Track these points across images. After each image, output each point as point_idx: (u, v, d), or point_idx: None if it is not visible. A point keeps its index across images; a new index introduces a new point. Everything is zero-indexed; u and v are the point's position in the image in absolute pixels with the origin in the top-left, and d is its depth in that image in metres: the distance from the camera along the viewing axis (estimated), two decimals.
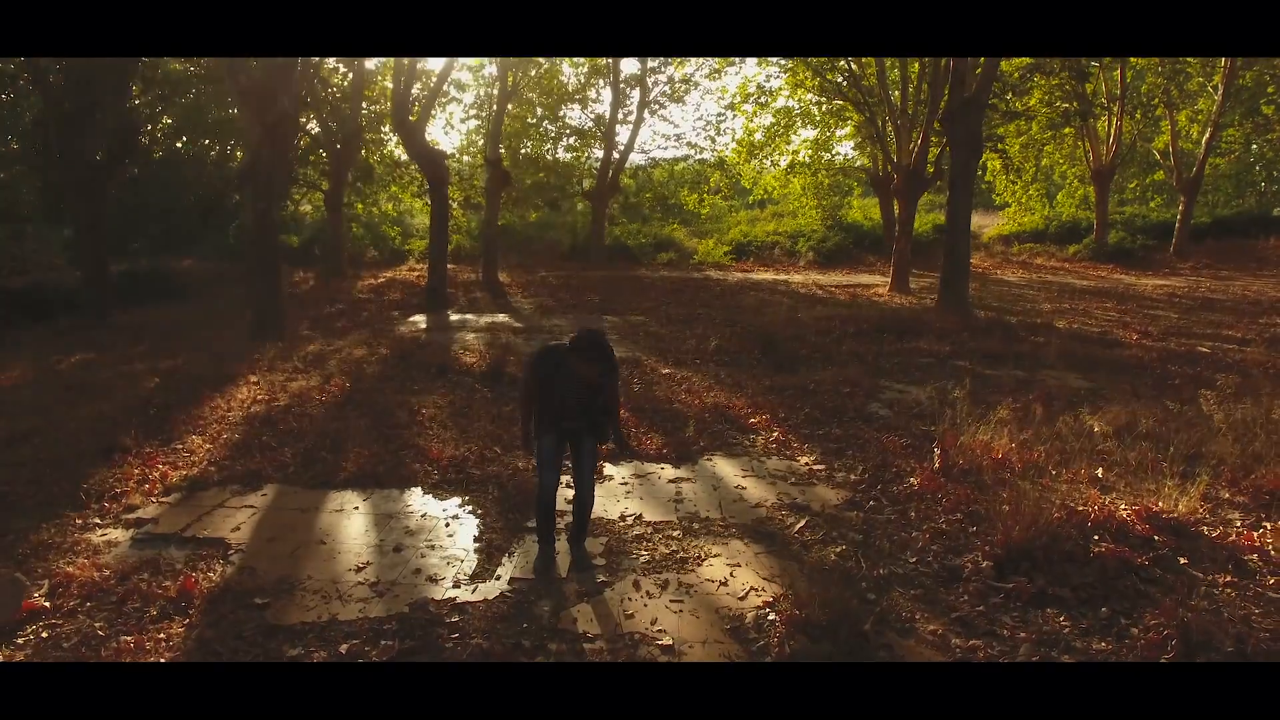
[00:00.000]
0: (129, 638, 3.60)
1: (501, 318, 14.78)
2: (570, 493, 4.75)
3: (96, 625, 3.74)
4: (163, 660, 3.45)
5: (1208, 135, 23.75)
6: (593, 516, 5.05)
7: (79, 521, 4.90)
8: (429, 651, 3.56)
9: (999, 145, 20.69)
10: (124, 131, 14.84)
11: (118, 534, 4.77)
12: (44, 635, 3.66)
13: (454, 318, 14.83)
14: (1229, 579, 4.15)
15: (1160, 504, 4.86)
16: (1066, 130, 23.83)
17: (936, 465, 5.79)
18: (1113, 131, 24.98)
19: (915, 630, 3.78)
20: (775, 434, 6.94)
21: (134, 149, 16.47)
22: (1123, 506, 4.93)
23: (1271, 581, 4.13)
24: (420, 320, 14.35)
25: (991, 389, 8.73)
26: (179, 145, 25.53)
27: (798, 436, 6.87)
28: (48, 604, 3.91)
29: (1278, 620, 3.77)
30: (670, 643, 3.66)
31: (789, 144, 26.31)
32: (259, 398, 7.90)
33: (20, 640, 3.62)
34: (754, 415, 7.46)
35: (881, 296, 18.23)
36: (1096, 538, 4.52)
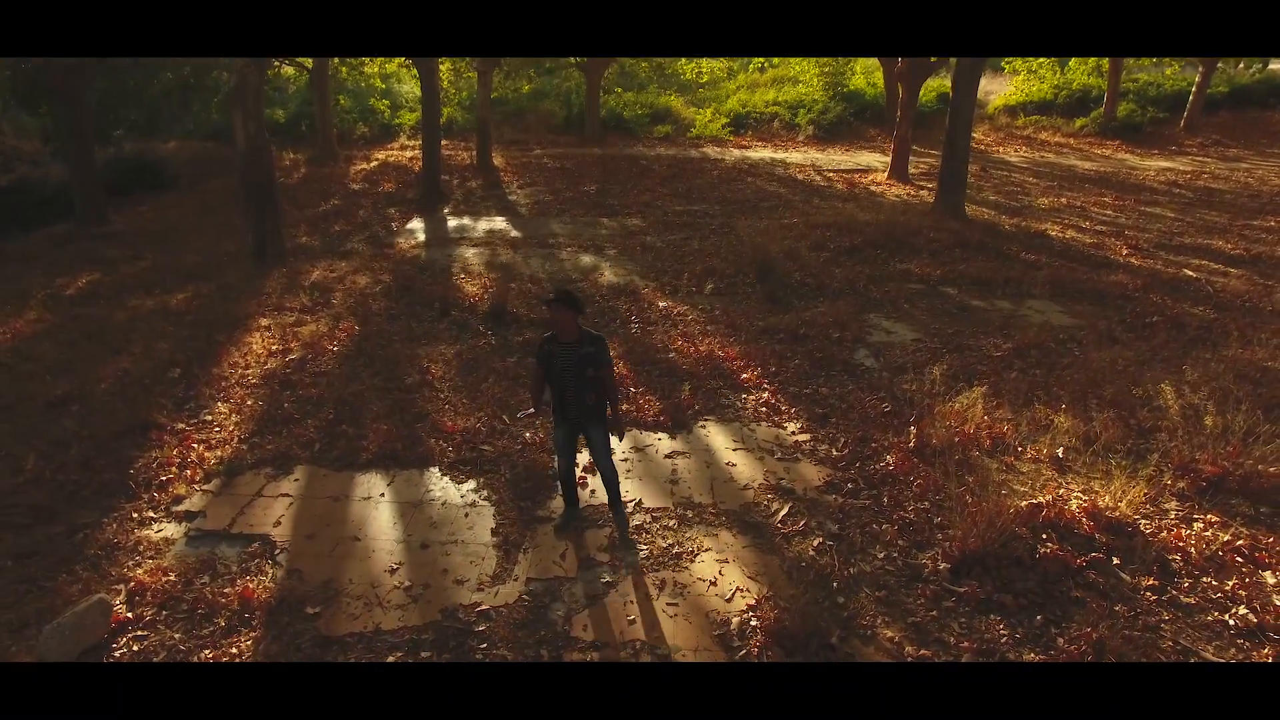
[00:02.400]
0: (208, 652, 4.23)
1: (499, 222, 14.78)
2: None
3: (175, 636, 4.36)
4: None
5: None
6: (594, 503, 5.65)
7: (135, 515, 5.44)
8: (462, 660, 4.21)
9: None
10: None
11: (171, 529, 5.32)
12: (135, 649, 4.28)
13: (451, 223, 14.82)
14: (1152, 582, 4.77)
15: (1107, 499, 5.42)
16: None
17: (912, 444, 6.31)
18: None
19: (875, 637, 4.43)
20: (765, 394, 7.40)
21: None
22: (1074, 501, 5.50)
23: (1186, 585, 4.76)
24: (418, 229, 14.36)
25: (976, 328, 9.12)
26: None
27: (786, 397, 7.34)
28: (130, 614, 4.51)
29: (1180, 627, 4.42)
30: (667, 653, 4.31)
31: None
32: (273, 349, 8.26)
33: (117, 654, 4.25)
34: (746, 370, 7.88)
35: (880, 187, 18.09)
36: (1045, 536, 5.11)
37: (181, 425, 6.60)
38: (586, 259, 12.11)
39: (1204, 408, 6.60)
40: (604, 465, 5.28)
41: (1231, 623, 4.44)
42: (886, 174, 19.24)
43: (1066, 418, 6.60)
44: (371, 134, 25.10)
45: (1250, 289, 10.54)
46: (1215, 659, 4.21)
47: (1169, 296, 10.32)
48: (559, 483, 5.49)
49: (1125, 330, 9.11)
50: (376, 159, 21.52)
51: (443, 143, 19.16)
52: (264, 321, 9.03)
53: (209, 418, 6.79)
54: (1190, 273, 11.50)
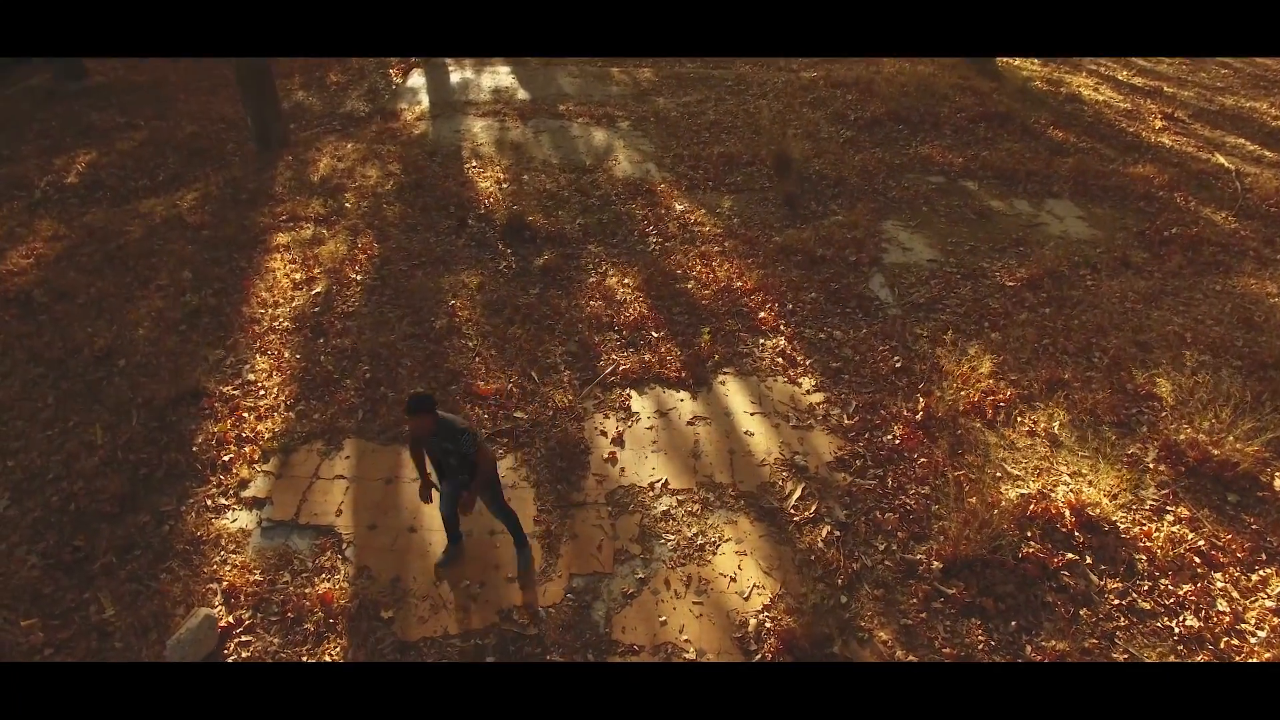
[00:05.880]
0: (307, 659, 4.99)
1: (504, 76, 13.91)
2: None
3: (275, 641, 5.11)
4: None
5: None
6: (625, 484, 6.21)
7: (208, 503, 6.01)
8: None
9: None
10: None
11: (245, 518, 5.91)
12: (244, 655, 5.04)
13: (455, 77, 13.94)
14: (1116, 584, 5.46)
15: (1091, 491, 5.96)
16: None
17: (919, 416, 6.73)
18: None
19: (871, 640, 5.19)
20: (782, 340, 7.67)
21: None
22: (1060, 489, 6.05)
23: (1146, 587, 5.45)
24: (420, 88, 13.53)
25: (993, 242, 9.14)
26: None
27: (802, 344, 7.62)
28: (230, 618, 5.23)
29: (1133, 634, 5.17)
30: (693, 655, 5.08)
31: None
32: (296, 278, 8.37)
33: (230, 660, 5.01)
34: (764, 307, 8.07)
35: None
36: (1029, 534, 5.73)
37: (228, 389, 6.96)
38: (599, 136, 11.65)
39: (1198, 376, 6.93)
40: (500, 516, 5.42)
41: (1177, 630, 5.18)
42: None
43: (1064, 391, 6.96)
44: None
45: (1278, 186, 10.33)
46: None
47: (1194, 198, 10.16)
48: (443, 521, 5.50)
49: (1140, 249, 9.14)
50: None
51: None
52: (281, 239, 9.01)
53: (251, 377, 7.12)
54: (1222, 159, 11.17)
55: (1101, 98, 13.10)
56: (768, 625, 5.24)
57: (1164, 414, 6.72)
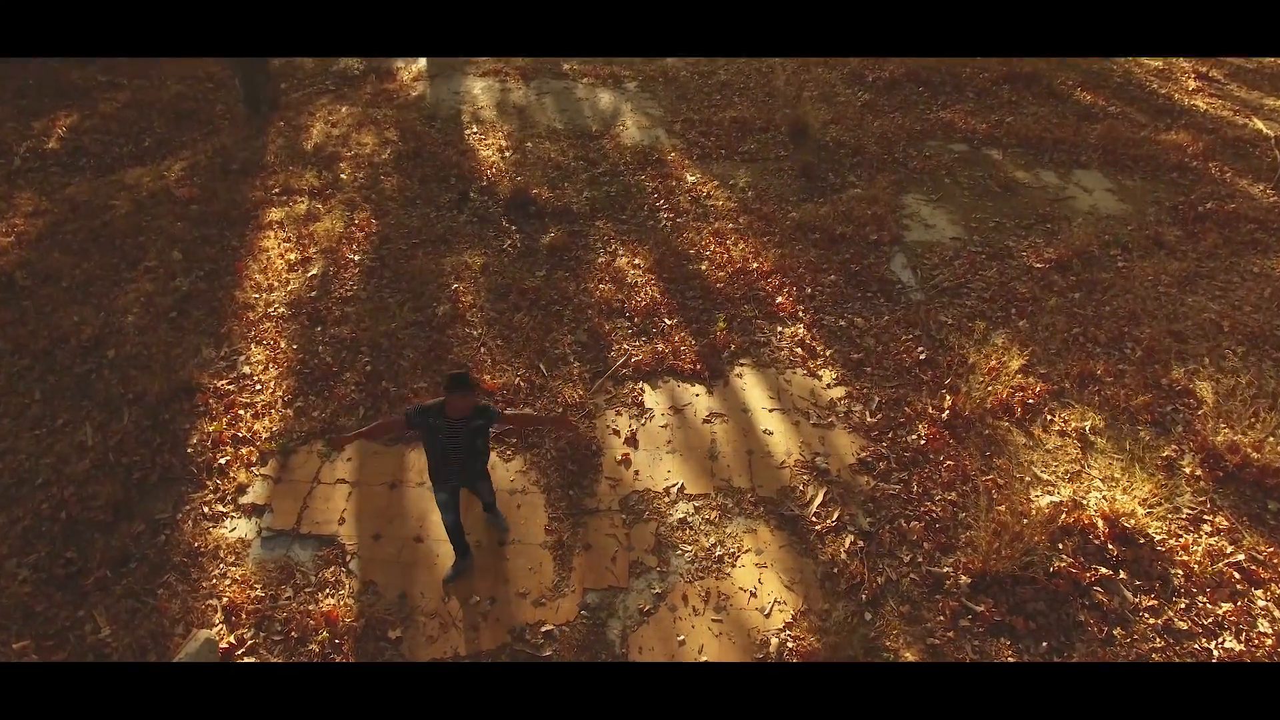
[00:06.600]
0: None
1: None
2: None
3: (276, 660, 4.92)
4: None
5: None
6: (639, 489, 5.97)
7: (205, 510, 5.76)
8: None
9: None
10: None
11: (243, 527, 5.67)
12: None
13: None
14: (1152, 602, 5.25)
15: (1124, 499, 5.71)
16: None
17: (945, 414, 6.44)
18: None
19: (897, 661, 5.00)
20: (800, 328, 7.34)
21: None
22: (1093, 496, 5.80)
23: (1183, 606, 5.24)
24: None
25: (1019, 219, 8.73)
26: None
27: (821, 333, 7.29)
28: (232, 638, 5.03)
29: (1169, 656, 4.98)
30: None
31: None
32: (291, 259, 7.98)
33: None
34: (781, 291, 7.71)
35: None
36: (1061, 546, 5.50)
37: (222, 384, 6.66)
38: (605, 99, 11.08)
39: (1239, 376, 6.62)
40: (488, 500, 5.46)
41: (1216, 653, 4.99)
42: None
43: (1095, 386, 6.65)
44: None
45: None
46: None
47: (1230, 168, 9.68)
48: (448, 533, 5.24)
49: (1173, 225, 8.72)
50: None
51: None
52: (275, 215, 8.58)
53: (246, 370, 6.81)
54: (1260, 125, 10.64)
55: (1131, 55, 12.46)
56: (790, 645, 5.05)
57: (1200, 412, 6.44)
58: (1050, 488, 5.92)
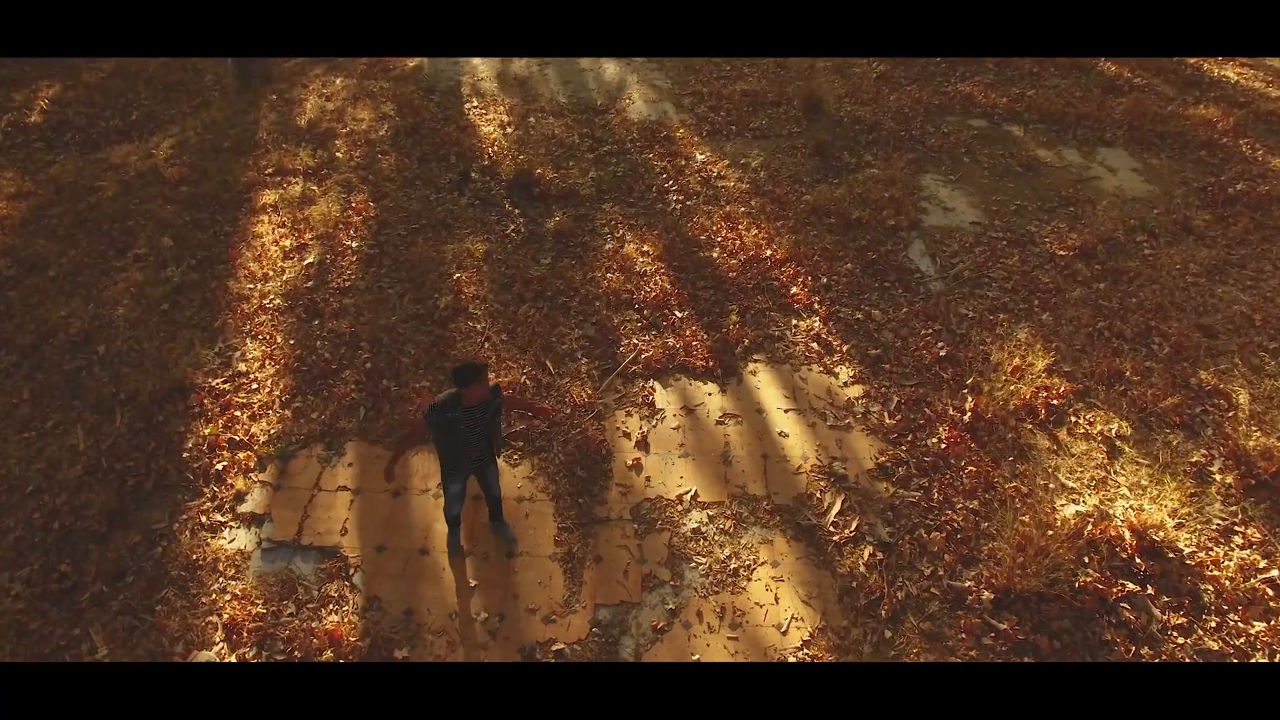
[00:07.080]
0: None
1: None
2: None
3: None
4: None
5: None
6: (651, 496, 5.78)
7: (203, 519, 5.57)
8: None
9: None
10: None
11: (243, 537, 5.49)
12: None
13: None
14: (1181, 620, 5.09)
15: (1152, 510, 5.52)
16: None
17: (967, 417, 6.22)
18: None
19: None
20: (816, 321, 7.07)
21: None
22: (1119, 505, 5.61)
23: (1213, 624, 5.09)
24: None
25: (1041, 201, 8.41)
26: None
27: (838, 327, 7.03)
28: (233, 658, 4.88)
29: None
30: None
31: None
32: (286, 246, 7.67)
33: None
34: (796, 280, 7.43)
35: None
36: (1087, 560, 5.32)
37: (217, 382, 6.42)
38: (610, 70, 10.62)
39: (1275, 380, 6.39)
40: (493, 493, 5.32)
41: None
42: None
43: (1122, 385, 6.41)
44: None
45: None
46: None
47: (1262, 145, 9.31)
48: (449, 522, 5.28)
49: (1202, 209, 8.39)
50: None
51: None
52: (268, 197, 8.24)
53: (242, 367, 6.56)
54: None
55: None
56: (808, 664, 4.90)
57: (1231, 415, 6.22)
58: (1075, 496, 5.72)
